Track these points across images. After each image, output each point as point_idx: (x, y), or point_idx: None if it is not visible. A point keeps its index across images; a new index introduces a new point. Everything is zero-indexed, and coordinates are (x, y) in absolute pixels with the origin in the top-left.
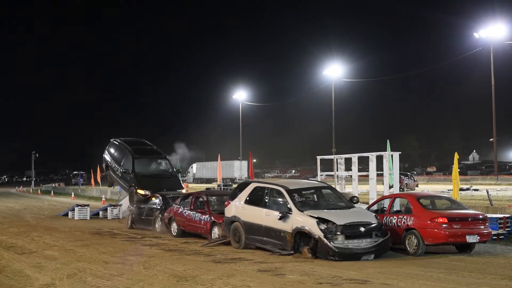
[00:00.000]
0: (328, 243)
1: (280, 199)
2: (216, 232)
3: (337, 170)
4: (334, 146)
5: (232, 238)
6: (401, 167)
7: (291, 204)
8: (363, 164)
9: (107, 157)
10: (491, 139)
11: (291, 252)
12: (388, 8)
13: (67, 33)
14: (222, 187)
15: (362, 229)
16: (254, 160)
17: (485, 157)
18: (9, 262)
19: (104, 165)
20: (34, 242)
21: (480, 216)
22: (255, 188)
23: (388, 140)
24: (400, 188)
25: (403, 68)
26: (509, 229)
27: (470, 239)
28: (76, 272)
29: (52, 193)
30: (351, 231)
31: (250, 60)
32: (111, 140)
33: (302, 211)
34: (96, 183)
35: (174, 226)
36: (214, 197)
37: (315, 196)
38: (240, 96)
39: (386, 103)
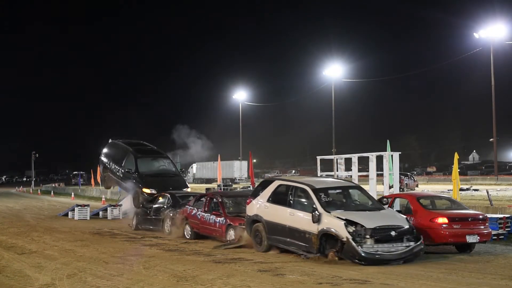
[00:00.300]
0: (356, 247)
1: (305, 199)
2: (231, 235)
3: (337, 170)
4: (334, 146)
5: (254, 240)
6: (401, 167)
7: (317, 204)
8: (363, 164)
9: (104, 158)
10: (491, 139)
11: (317, 255)
12: (388, 8)
13: (67, 33)
14: (222, 187)
15: (393, 233)
16: (254, 160)
17: (485, 157)
18: (9, 262)
19: (101, 168)
20: (34, 242)
21: (480, 216)
22: (279, 186)
23: (388, 140)
24: (400, 188)
25: (403, 68)
26: (509, 229)
27: (470, 239)
28: (76, 272)
29: (52, 193)
30: (381, 235)
31: (250, 60)
32: (109, 141)
33: (329, 212)
34: (96, 183)
35: (187, 229)
36: (229, 199)
37: (342, 196)
38: (240, 96)
39: (386, 103)
